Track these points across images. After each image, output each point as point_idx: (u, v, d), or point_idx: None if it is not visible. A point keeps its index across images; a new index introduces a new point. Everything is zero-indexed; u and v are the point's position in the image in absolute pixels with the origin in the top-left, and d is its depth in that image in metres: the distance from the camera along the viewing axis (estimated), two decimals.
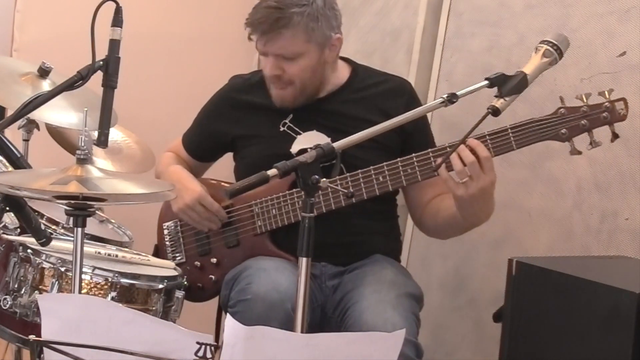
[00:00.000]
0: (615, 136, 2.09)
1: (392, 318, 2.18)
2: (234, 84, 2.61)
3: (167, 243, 2.62)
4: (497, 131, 2.15)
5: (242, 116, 2.54)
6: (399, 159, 2.26)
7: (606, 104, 2.08)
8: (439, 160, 2.14)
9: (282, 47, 2.35)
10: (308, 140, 2.42)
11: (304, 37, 2.35)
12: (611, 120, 2.08)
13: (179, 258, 2.58)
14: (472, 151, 2.10)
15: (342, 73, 2.51)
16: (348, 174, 2.29)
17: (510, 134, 2.15)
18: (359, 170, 2.28)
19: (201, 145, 2.67)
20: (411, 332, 2.20)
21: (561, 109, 2.12)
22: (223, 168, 2.71)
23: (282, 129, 2.47)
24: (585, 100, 2.10)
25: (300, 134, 2.46)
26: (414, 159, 2.24)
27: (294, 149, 2.44)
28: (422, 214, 2.48)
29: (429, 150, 2.23)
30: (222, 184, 2.59)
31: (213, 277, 2.53)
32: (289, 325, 2.10)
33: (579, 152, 2.12)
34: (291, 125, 2.47)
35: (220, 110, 2.60)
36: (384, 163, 2.26)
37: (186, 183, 2.51)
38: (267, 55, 2.39)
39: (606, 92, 2.08)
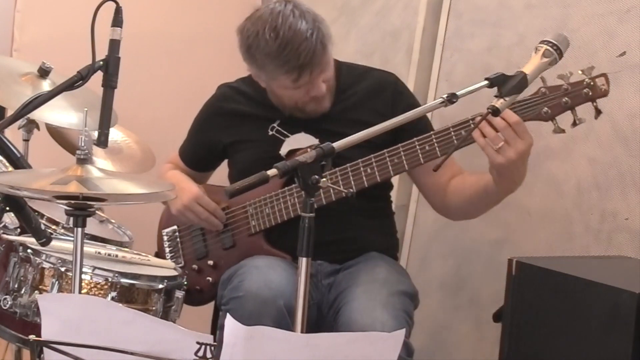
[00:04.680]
0: (598, 112, 2.08)
1: (382, 317, 2.18)
2: (221, 93, 2.61)
3: (167, 249, 2.63)
4: (478, 115, 2.12)
5: (231, 124, 2.55)
6: (385, 150, 2.27)
7: (587, 80, 2.07)
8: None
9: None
10: (296, 143, 2.43)
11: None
12: (593, 96, 2.07)
13: (178, 263, 2.58)
14: (502, 118, 2.05)
15: None
16: (337, 169, 2.30)
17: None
18: (347, 164, 2.29)
19: (196, 156, 2.68)
20: None
21: (542, 89, 2.11)
22: (222, 172, 2.71)
23: (270, 132, 2.48)
24: (566, 79, 2.09)
25: (288, 136, 2.46)
26: (400, 149, 2.25)
27: (283, 151, 2.45)
28: (445, 196, 2.44)
29: (415, 139, 2.23)
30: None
31: (210, 279, 2.54)
32: (281, 322, 2.13)
33: (563, 131, 2.11)
34: (279, 128, 2.47)
35: (209, 120, 2.60)
36: (372, 155, 2.27)
37: (183, 185, 2.53)
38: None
39: (588, 70, 2.07)
